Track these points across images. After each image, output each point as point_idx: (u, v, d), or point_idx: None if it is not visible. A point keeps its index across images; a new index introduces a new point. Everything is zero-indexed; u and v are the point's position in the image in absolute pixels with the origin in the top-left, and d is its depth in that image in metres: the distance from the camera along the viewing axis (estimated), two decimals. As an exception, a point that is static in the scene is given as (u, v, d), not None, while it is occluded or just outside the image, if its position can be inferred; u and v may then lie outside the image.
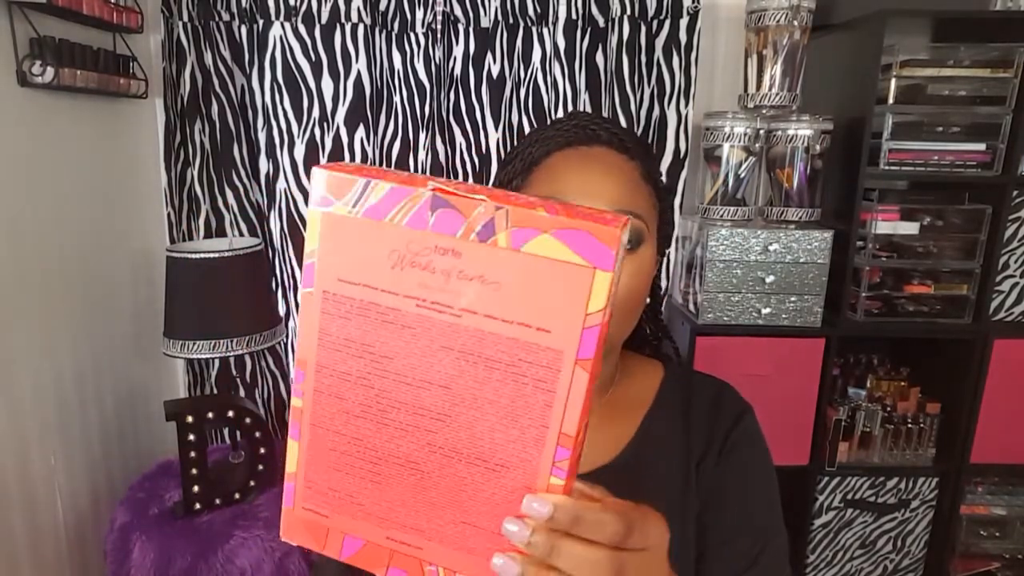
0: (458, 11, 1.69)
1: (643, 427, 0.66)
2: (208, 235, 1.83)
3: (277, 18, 1.64)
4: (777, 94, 1.61)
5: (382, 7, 1.69)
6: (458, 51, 1.72)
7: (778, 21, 1.56)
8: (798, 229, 1.59)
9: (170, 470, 1.55)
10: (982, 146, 1.57)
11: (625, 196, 0.59)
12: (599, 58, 1.70)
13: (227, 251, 1.43)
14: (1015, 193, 1.57)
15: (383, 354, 0.34)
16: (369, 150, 1.74)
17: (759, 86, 1.63)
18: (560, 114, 1.70)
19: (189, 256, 1.42)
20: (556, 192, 0.59)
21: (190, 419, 1.37)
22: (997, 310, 1.65)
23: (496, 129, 1.76)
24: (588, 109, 1.71)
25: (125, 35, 1.59)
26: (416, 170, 1.78)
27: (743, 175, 1.63)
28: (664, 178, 1.74)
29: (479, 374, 0.33)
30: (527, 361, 0.32)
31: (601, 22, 1.68)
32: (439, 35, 1.70)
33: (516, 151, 0.66)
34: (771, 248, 1.58)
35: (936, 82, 1.57)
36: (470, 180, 1.79)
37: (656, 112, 1.73)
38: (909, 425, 1.72)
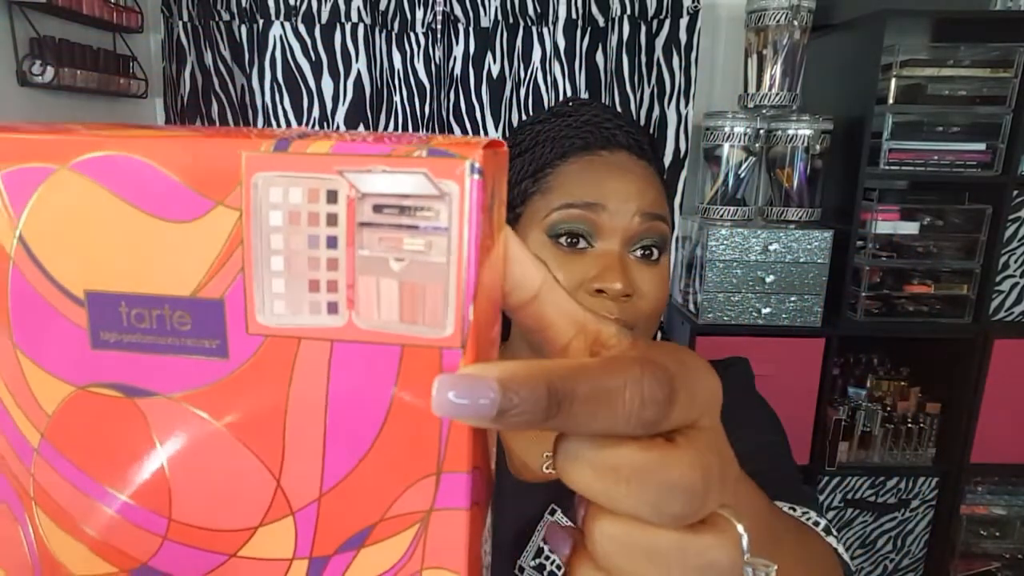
0: (458, 11, 1.69)
1: None
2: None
3: (277, 18, 1.64)
4: (777, 94, 1.61)
5: (382, 7, 1.69)
6: (458, 51, 1.72)
7: (778, 21, 1.56)
8: (798, 229, 1.59)
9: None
10: (982, 146, 1.57)
11: (655, 200, 0.59)
12: (599, 58, 1.70)
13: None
14: (1015, 193, 1.57)
15: None
16: (369, 150, 1.74)
17: (759, 86, 1.63)
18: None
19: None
20: (584, 197, 0.57)
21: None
22: (997, 310, 1.64)
23: (496, 129, 1.76)
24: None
25: (125, 35, 1.59)
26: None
27: (743, 175, 1.62)
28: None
29: None
30: None
31: (601, 22, 1.68)
32: (439, 35, 1.70)
33: (520, 147, 0.62)
34: (771, 248, 1.57)
35: (936, 82, 1.57)
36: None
37: (656, 112, 1.73)
38: (909, 425, 1.72)
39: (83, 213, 0.18)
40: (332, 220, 0.17)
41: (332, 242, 0.17)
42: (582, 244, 0.58)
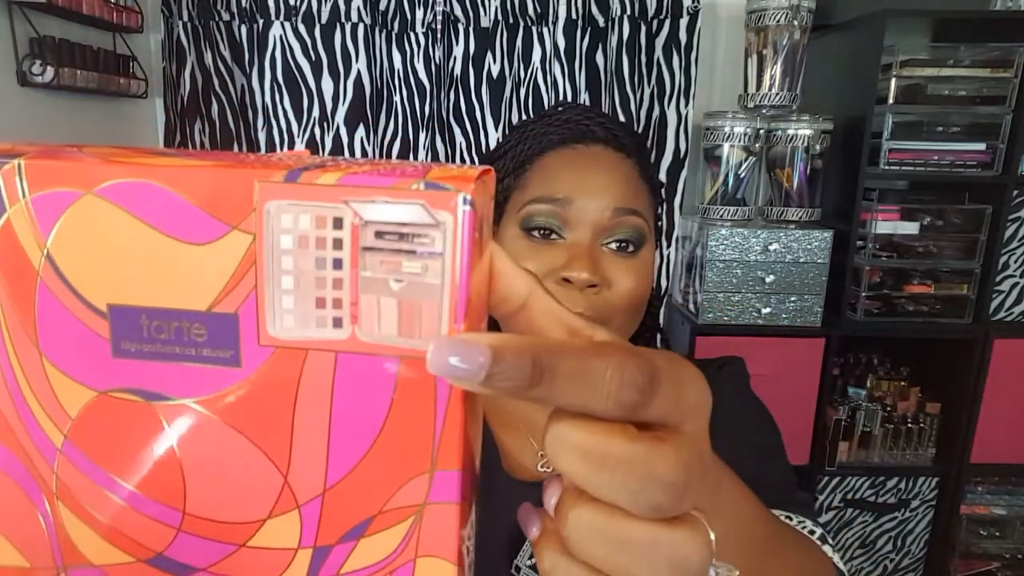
0: (458, 11, 1.69)
1: None
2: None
3: (277, 18, 1.64)
4: (777, 94, 1.61)
5: (382, 7, 1.69)
6: (458, 51, 1.72)
7: (778, 21, 1.56)
8: (798, 229, 1.59)
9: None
10: (982, 146, 1.57)
11: (628, 195, 0.59)
12: (599, 58, 1.70)
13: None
14: (1015, 193, 1.57)
15: None
16: (369, 150, 1.74)
17: (759, 86, 1.63)
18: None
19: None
20: (553, 192, 0.59)
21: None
22: (997, 310, 1.64)
23: (496, 129, 1.76)
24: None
25: (125, 35, 1.59)
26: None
27: (743, 175, 1.62)
28: (664, 178, 1.75)
29: None
30: None
31: (601, 22, 1.68)
32: (439, 35, 1.70)
33: (505, 147, 0.65)
34: (771, 248, 1.57)
35: (936, 82, 1.57)
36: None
37: (656, 112, 1.73)
38: (909, 425, 1.72)
39: (107, 234, 0.20)
40: (338, 244, 0.19)
41: (338, 264, 0.19)
42: (553, 236, 0.59)
